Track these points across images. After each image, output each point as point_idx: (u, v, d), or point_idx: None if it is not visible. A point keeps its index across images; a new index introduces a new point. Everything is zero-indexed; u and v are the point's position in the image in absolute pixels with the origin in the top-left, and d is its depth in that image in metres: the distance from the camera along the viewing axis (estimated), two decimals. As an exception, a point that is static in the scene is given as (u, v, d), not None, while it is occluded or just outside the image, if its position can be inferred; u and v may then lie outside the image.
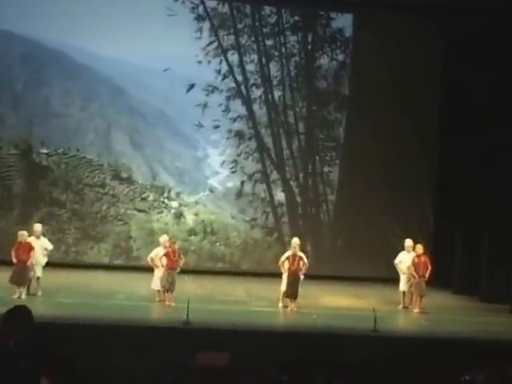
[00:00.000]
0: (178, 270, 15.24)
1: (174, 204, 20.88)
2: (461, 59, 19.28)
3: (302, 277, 15.31)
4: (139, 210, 20.65)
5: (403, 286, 16.33)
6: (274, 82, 21.04)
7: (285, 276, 15.40)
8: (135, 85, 20.88)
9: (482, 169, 18.47)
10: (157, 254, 15.47)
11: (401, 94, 20.54)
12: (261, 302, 15.95)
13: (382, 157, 20.42)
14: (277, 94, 21.07)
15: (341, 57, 21.16)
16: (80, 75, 20.60)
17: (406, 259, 16.31)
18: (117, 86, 20.79)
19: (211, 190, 21.16)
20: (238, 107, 20.93)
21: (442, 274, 17.80)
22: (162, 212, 20.77)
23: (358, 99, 20.96)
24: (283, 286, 15.41)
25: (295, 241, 15.67)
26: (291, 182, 21.13)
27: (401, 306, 16.29)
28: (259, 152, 21.05)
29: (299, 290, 15.20)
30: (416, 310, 15.90)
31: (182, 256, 15.46)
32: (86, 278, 17.71)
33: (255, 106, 21.00)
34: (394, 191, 20.40)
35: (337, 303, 16.61)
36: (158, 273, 15.30)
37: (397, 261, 16.46)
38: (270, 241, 21.00)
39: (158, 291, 15.35)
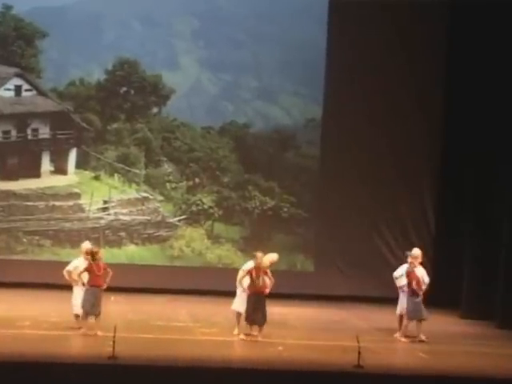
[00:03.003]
0: (104, 286, 15.13)
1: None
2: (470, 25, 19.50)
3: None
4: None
5: (402, 307, 16.17)
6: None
7: (244, 295, 15.34)
8: None
9: (497, 160, 18.71)
10: (76, 267, 15.27)
11: (398, 60, 20.52)
12: (210, 329, 15.94)
13: (371, 140, 20.49)
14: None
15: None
16: None
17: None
18: None
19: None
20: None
21: (446, 292, 17.93)
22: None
23: (339, 66, 20.90)
24: (240, 308, 15.35)
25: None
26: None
27: (398, 335, 16.22)
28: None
29: (267, 312, 15.19)
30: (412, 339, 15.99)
31: (108, 269, 15.31)
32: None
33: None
34: (386, 186, 20.46)
35: (310, 330, 16.64)
36: (78, 291, 15.15)
37: (397, 274, 16.21)
38: (223, 249, 21.04)
39: (78, 316, 15.21)
